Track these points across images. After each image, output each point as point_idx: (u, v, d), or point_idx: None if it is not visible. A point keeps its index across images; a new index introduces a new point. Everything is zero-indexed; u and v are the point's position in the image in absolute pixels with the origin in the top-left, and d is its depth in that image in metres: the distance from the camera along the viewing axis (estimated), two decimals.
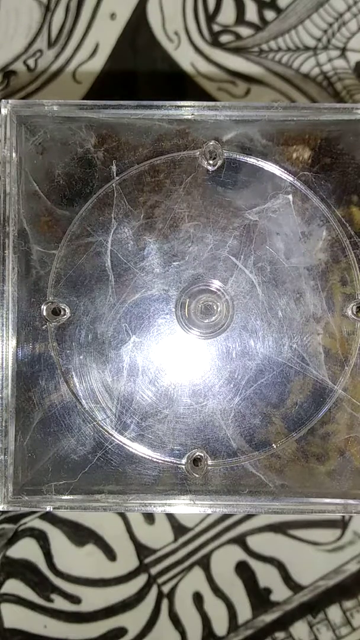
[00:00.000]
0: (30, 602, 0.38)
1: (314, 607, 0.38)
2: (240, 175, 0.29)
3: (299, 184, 0.29)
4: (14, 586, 0.38)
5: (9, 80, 0.40)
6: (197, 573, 0.38)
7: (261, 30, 0.40)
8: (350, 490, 0.29)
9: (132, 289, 0.29)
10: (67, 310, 0.29)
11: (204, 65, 0.40)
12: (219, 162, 0.29)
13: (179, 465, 0.29)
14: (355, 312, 0.28)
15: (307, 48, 0.40)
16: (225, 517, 0.38)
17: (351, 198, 0.29)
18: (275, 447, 0.29)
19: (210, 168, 0.29)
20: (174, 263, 0.29)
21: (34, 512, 0.38)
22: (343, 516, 0.38)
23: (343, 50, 0.40)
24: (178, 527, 0.38)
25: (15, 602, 0.38)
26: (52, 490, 0.28)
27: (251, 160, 0.29)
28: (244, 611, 0.38)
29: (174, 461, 0.29)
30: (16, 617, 0.38)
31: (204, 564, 0.38)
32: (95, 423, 0.29)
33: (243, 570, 0.38)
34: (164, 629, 0.38)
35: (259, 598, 0.38)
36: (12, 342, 0.28)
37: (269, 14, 0.40)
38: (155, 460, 0.29)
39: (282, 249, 0.29)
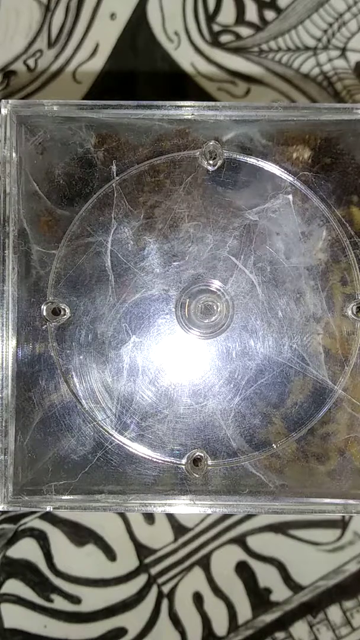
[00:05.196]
0: (30, 602, 0.38)
1: (314, 607, 0.38)
2: (240, 175, 0.29)
3: (299, 184, 0.29)
4: (14, 586, 0.38)
5: (9, 80, 0.40)
6: (197, 573, 0.38)
7: (261, 30, 0.40)
8: (350, 490, 0.29)
9: (132, 289, 0.29)
10: (67, 310, 0.29)
11: (204, 65, 0.40)
12: (219, 162, 0.29)
13: (179, 465, 0.29)
14: (355, 312, 0.28)
15: (307, 48, 0.40)
16: (225, 517, 0.38)
17: (351, 198, 0.29)
18: (275, 447, 0.29)
19: (210, 168, 0.29)
20: (174, 263, 0.29)
21: (34, 512, 0.38)
22: (343, 516, 0.38)
23: (343, 50, 0.40)
24: (178, 527, 0.38)
25: (15, 602, 0.38)
26: (52, 490, 0.28)
27: (251, 160, 0.29)
28: (244, 611, 0.38)
29: (174, 461, 0.29)
30: (16, 617, 0.38)
31: (204, 564, 0.38)
32: (95, 423, 0.29)
33: (243, 570, 0.38)
34: (164, 629, 0.38)
35: (259, 598, 0.38)
36: (12, 342, 0.28)
37: (269, 14, 0.40)
38: (155, 460, 0.29)
39: (282, 249, 0.29)
